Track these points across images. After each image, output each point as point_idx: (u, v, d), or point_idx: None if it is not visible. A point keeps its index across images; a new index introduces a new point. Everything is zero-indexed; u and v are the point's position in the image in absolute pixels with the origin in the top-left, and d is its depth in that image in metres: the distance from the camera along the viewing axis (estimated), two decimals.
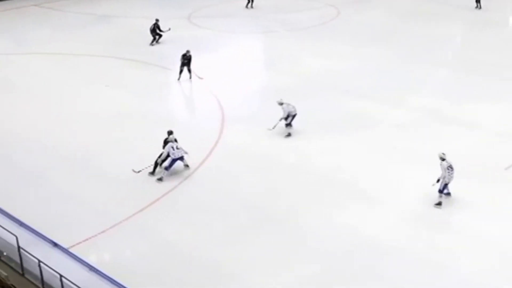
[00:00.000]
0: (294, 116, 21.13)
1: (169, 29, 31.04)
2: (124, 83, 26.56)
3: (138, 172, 18.97)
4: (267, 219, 16.98)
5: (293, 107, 21.10)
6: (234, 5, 37.44)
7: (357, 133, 21.48)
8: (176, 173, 19.13)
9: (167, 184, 18.56)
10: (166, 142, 19.04)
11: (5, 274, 14.33)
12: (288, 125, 21.22)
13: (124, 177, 19.04)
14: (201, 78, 26.69)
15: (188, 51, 26.44)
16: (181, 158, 18.98)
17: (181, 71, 26.63)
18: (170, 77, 27.92)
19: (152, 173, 19.04)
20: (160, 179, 18.77)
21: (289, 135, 21.23)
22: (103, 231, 16.39)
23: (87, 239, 16.05)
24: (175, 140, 18.80)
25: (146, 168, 19.05)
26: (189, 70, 26.55)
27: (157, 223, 16.93)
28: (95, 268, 14.76)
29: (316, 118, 22.59)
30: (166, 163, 18.86)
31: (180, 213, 17.42)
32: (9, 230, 15.07)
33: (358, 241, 15.97)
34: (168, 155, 18.73)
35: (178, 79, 26.72)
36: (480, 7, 35.69)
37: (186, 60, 26.43)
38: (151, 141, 20.12)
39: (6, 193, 18.31)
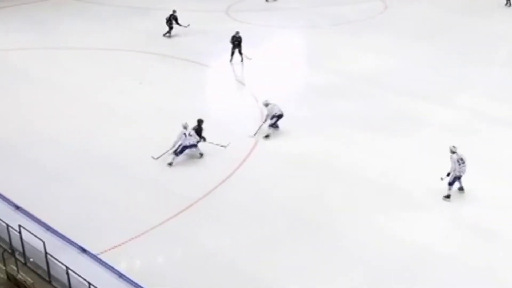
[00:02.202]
0: (279, 116, 20.57)
1: (188, 25, 30.40)
2: (158, 80, 25.96)
3: (157, 158, 19.10)
4: (307, 225, 16.59)
5: (279, 108, 20.64)
6: None
7: (404, 134, 20.94)
8: (191, 158, 19.39)
9: (203, 188, 18.09)
10: (198, 130, 19.52)
11: (31, 281, 13.98)
12: (272, 125, 20.69)
13: (157, 180, 18.65)
14: (250, 59, 26.87)
15: (237, 32, 26.76)
16: (195, 146, 19.20)
17: (232, 53, 26.87)
18: (206, 73, 27.46)
19: (174, 152, 19.30)
20: (170, 164, 19.06)
21: (267, 136, 20.68)
22: (135, 237, 15.98)
23: (117, 245, 15.62)
24: (201, 127, 19.43)
25: (165, 153, 19.18)
26: (240, 53, 26.92)
27: (192, 229, 16.51)
28: (125, 276, 14.35)
29: (361, 118, 22.06)
30: (178, 149, 19.17)
31: (216, 219, 16.96)
32: (36, 234, 14.66)
33: (404, 249, 15.42)
34: (180, 142, 19.08)
35: (230, 61, 27.01)
36: (510, 5, 34.82)
37: (236, 42, 26.74)
38: None
39: (31, 195, 17.77)
